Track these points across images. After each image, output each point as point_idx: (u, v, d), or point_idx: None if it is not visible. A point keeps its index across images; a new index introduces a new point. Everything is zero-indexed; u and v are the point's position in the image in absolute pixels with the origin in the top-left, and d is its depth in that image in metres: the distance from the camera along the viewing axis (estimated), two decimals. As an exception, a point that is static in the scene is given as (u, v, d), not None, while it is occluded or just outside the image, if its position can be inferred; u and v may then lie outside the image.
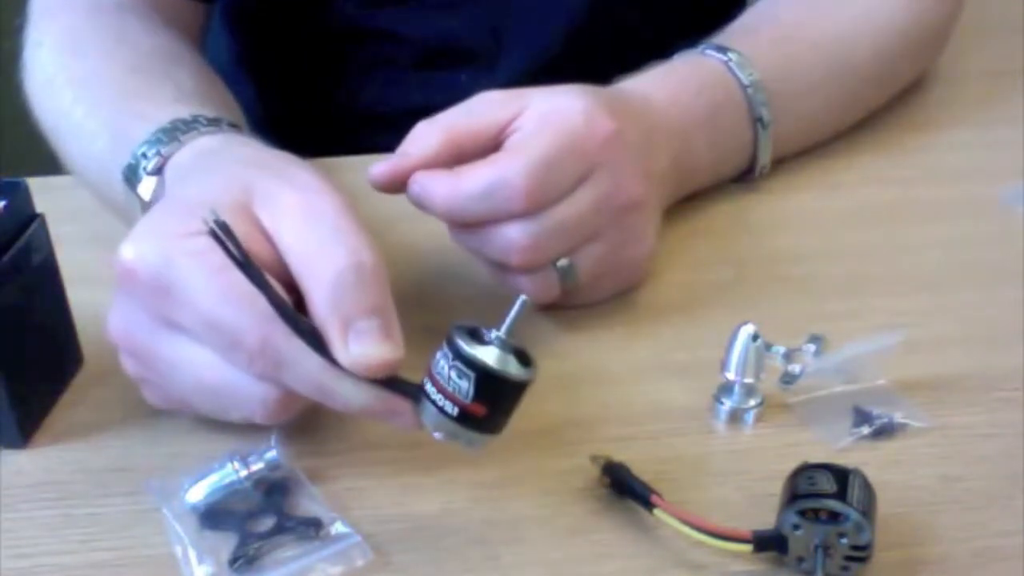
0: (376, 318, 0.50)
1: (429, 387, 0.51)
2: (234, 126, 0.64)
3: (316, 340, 0.50)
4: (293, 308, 0.51)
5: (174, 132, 0.62)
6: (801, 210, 0.75)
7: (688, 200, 0.73)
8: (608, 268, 0.64)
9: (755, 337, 0.57)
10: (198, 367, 0.52)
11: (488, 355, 0.49)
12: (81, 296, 0.60)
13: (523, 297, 0.50)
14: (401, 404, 0.51)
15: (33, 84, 0.74)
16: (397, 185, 0.61)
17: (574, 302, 0.65)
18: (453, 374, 0.50)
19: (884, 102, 0.83)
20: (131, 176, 0.63)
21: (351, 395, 0.51)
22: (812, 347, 0.63)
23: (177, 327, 0.52)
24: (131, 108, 0.66)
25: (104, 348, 0.56)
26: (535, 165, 0.59)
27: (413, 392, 0.51)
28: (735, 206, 0.75)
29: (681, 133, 0.69)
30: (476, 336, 0.50)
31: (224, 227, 0.49)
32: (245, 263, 0.50)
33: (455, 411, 0.50)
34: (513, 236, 0.60)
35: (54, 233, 0.59)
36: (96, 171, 0.68)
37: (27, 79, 0.75)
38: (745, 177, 0.75)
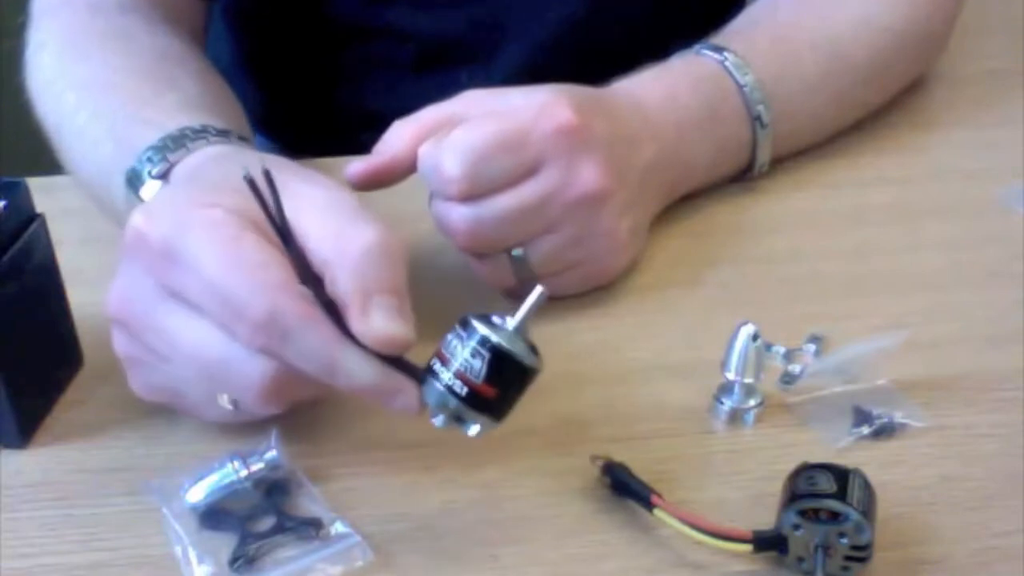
0: (397, 298, 0.51)
1: (438, 366, 0.50)
2: (243, 139, 0.64)
3: (332, 308, 0.50)
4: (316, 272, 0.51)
5: (182, 140, 0.62)
6: (801, 210, 0.75)
7: (687, 200, 0.74)
8: (569, 262, 0.64)
9: (755, 337, 0.57)
10: (195, 340, 0.52)
11: (503, 338, 0.50)
12: (81, 296, 0.60)
13: (540, 289, 0.51)
14: (405, 383, 0.51)
15: (35, 85, 0.74)
16: (372, 183, 0.64)
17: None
18: (467, 353, 0.50)
19: (882, 103, 0.83)
20: (134, 179, 0.63)
21: (357, 369, 0.50)
22: (812, 347, 0.63)
23: (179, 297, 0.52)
24: (137, 114, 0.66)
25: (104, 348, 0.56)
26: (468, 154, 0.61)
27: (418, 374, 0.51)
28: (735, 206, 0.75)
29: (675, 131, 0.69)
30: (490, 322, 0.50)
31: (267, 175, 0.49)
32: (279, 216, 0.49)
33: (464, 391, 0.50)
34: (453, 218, 0.62)
35: (54, 233, 0.59)
36: (98, 176, 0.68)
37: (29, 80, 0.75)
38: (743, 176, 0.75)
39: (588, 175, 0.62)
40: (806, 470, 0.51)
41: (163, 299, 0.52)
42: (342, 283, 0.50)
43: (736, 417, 0.59)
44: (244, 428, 0.56)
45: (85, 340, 0.62)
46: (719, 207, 0.74)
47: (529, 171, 0.61)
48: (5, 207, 0.56)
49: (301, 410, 0.58)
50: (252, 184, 0.49)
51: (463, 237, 0.62)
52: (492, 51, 0.89)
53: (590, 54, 0.70)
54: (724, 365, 0.58)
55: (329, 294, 0.50)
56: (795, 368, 0.61)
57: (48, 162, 0.73)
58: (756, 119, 0.73)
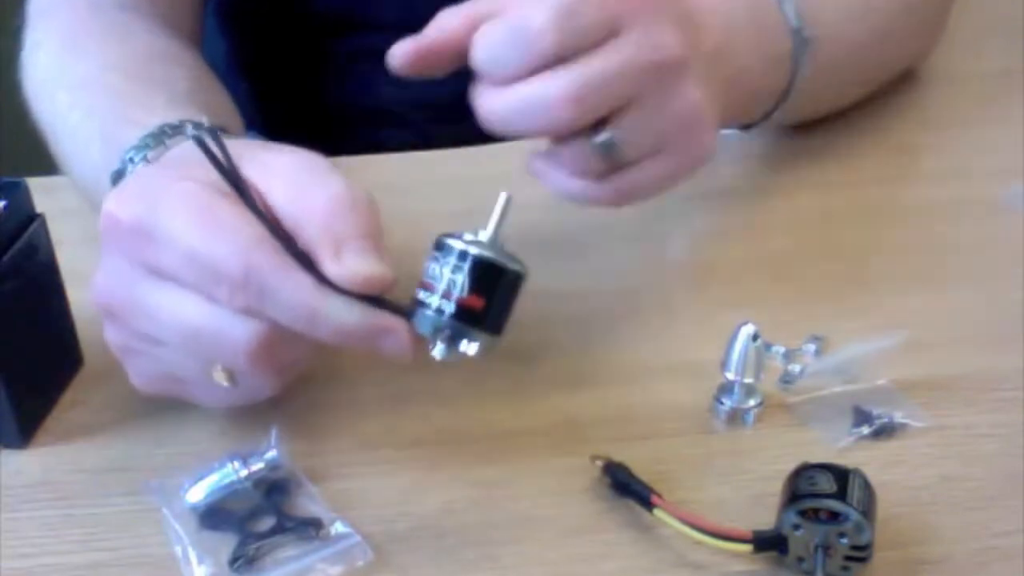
0: (369, 240, 0.50)
1: (422, 294, 0.50)
2: (223, 130, 0.64)
3: (306, 260, 0.50)
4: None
5: (161, 136, 0.62)
6: (801, 210, 0.75)
7: (687, 199, 0.73)
8: (655, 142, 0.61)
9: (755, 337, 0.57)
10: (179, 312, 0.51)
11: (480, 248, 0.50)
12: (81, 296, 0.60)
13: (505, 195, 0.50)
14: (394, 321, 0.51)
15: (31, 85, 0.74)
16: (419, 66, 0.61)
17: (635, 197, 0.62)
18: (446, 271, 0.50)
19: (913, 53, 0.83)
20: (119, 180, 0.63)
21: (342, 314, 0.50)
22: (812, 347, 0.63)
23: (159, 273, 0.51)
24: (124, 114, 0.66)
25: (104, 348, 0.55)
26: (560, 6, 0.57)
27: (405, 310, 0.51)
28: (735, 206, 0.75)
29: (724, 34, 0.67)
30: (463, 238, 0.50)
31: (214, 134, 0.49)
32: (231, 171, 0.50)
33: (452, 308, 0.50)
34: (551, 88, 0.57)
35: (54, 233, 0.59)
36: (90, 177, 0.68)
37: (26, 80, 0.75)
38: (781, 101, 0.73)
39: (667, 38, 0.59)
40: (806, 470, 0.51)
41: (143, 278, 0.52)
42: (310, 235, 0.50)
43: (736, 417, 0.59)
44: (244, 428, 0.56)
45: (85, 340, 0.62)
46: (718, 206, 0.74)
47: (612, 32, 0.58)
48: (5, 207, 0.56)
49: (301, 410, 0.58)
50: (201, 143, 0.49)
51: (567, 106, 0.57)
52: None
53: None
54: (724, 365, 0.58)
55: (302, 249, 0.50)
56: (795, 368, 0.61)
57: (48, 162, 0.73)
58: (796, 32, 0.71)
